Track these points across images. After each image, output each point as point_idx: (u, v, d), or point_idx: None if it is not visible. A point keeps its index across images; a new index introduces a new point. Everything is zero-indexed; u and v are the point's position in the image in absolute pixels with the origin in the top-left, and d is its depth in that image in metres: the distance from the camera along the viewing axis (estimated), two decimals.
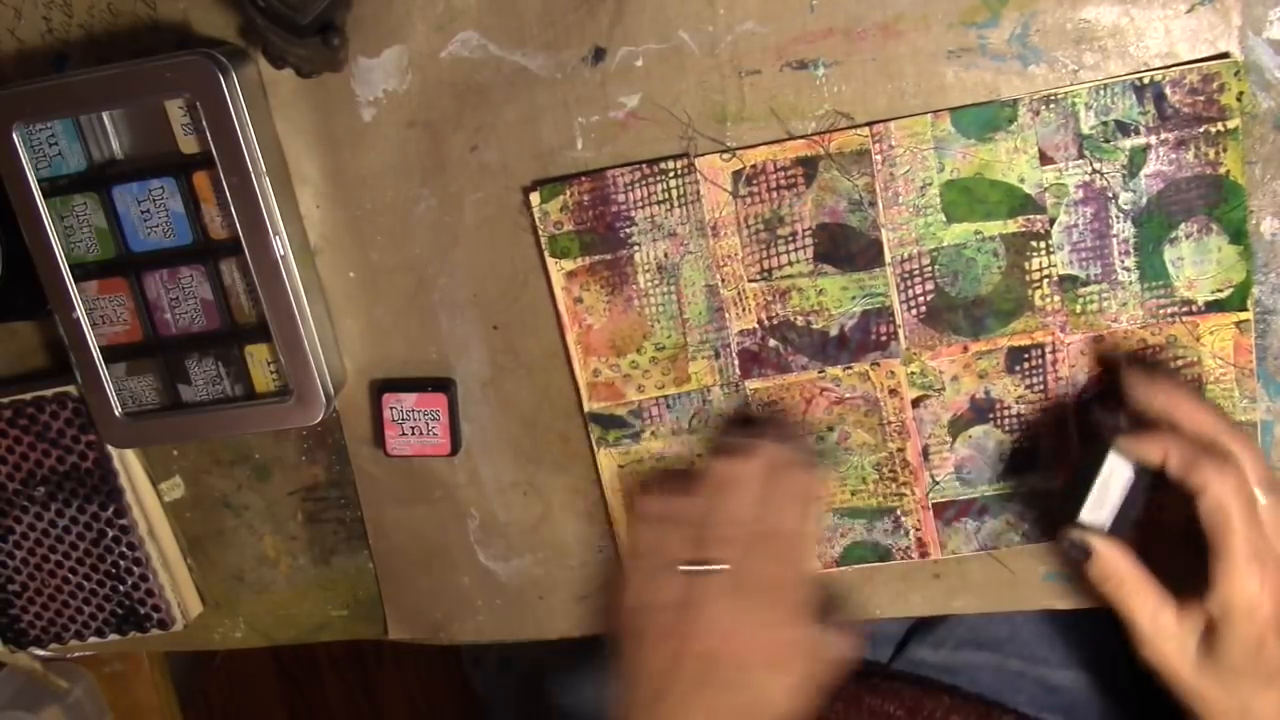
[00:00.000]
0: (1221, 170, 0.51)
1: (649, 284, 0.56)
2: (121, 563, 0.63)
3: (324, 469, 0.62)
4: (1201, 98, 0.50)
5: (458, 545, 0.62)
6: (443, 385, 0.59)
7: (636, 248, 0.55)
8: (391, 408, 0.59)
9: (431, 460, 0.61)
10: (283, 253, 0.53)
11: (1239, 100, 0.50)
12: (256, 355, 0.56)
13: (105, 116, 0.54)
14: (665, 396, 0.57)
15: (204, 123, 0.51)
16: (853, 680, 0.68)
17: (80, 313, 0.55)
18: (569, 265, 0.56)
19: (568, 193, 0.55)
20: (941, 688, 0.69)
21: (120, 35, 0.56)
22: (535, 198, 0.55)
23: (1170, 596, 0.50)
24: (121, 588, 0.63)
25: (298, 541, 0.64)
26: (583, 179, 0.54)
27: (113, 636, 0.65)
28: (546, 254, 0.56)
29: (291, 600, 0.65)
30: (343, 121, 0.56)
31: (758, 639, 0.51)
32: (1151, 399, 0.51)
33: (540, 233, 0.55)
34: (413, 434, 0.59)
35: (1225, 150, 0.51)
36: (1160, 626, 0.50)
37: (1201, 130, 0.51)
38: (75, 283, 0.55)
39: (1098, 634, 0.69)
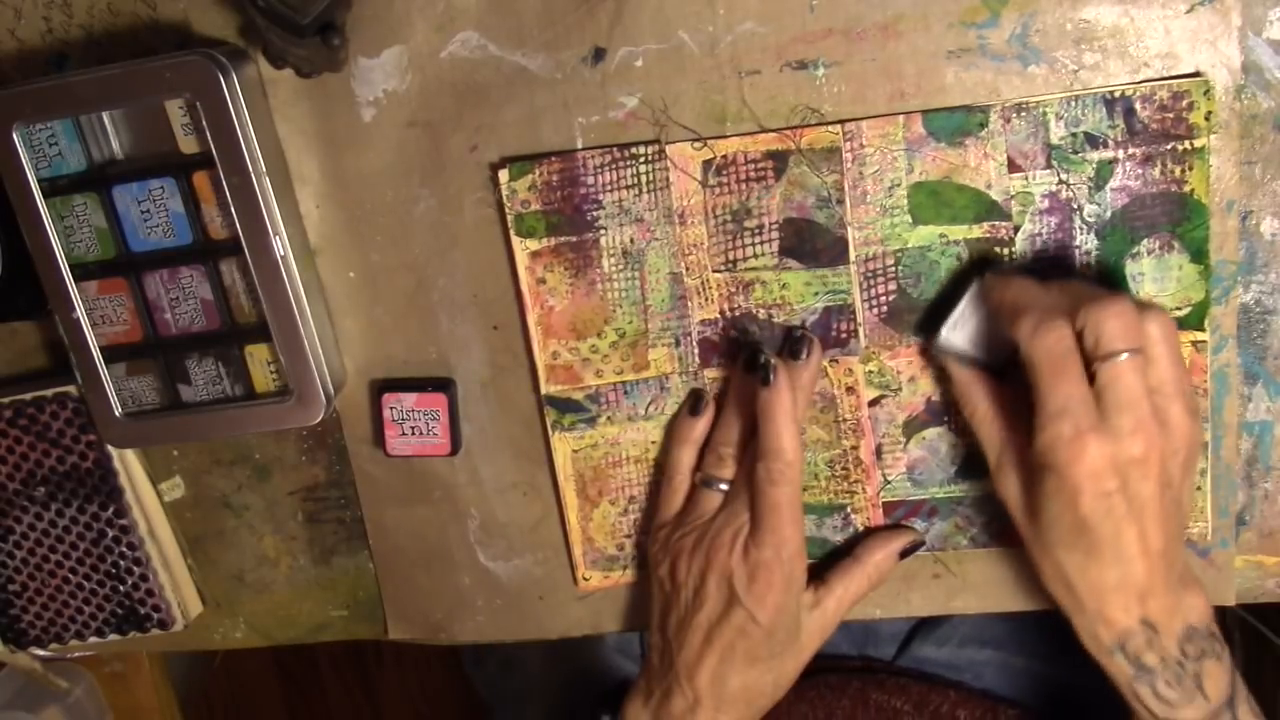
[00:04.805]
0: (1186, 189, 0.51)
1: (613, 268, 0.55)
2: (121, 563, 0.63)
3: (324, 469, 0.62)
4: (1170, 115, 0.50)
5: (458, 545, 0.62)
6: (443, 385, 0.59)
7: (603, 231, 0.55)
8: (391, 408, 0.59)
9: (431, 460, 0.61)
10: (283, 253, 0.53)
11: (1207, 120, 0.50)
12: (256, 355, 0.56)
13: (105, 116, 0.54)
14: (623, 382, 0.57)
15: (204, 123, 0.51)
16: (858, 677, 0.68)
17: (80, 313, 0.55)
18: (534, 245, 0.55)
19: (537, 172, 0.54)
20: (947, 683, 0.69)
21: (120, 35, 0.56)
22: (504, 175, 0.54)
23: (1018, 438, 0.49)
24: (121, 588, 0.63)
25: (298, 541, 0.64)
26: (553, 159, 0.54)
27: (113, 636, 0.65)
28: (512, 232, 0.55)
29: (291, 600, 0.65)
30: (343, 121, 0.56)
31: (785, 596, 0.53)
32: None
33: (507, 210, 0.55)
34: (413, 434, 0.59)
35: (1191, 169, 0.51)
36: (1001, 465, 0.50)
37: (1169, 147, 0.51)
38: (75, 283, 0.55)
39: None
